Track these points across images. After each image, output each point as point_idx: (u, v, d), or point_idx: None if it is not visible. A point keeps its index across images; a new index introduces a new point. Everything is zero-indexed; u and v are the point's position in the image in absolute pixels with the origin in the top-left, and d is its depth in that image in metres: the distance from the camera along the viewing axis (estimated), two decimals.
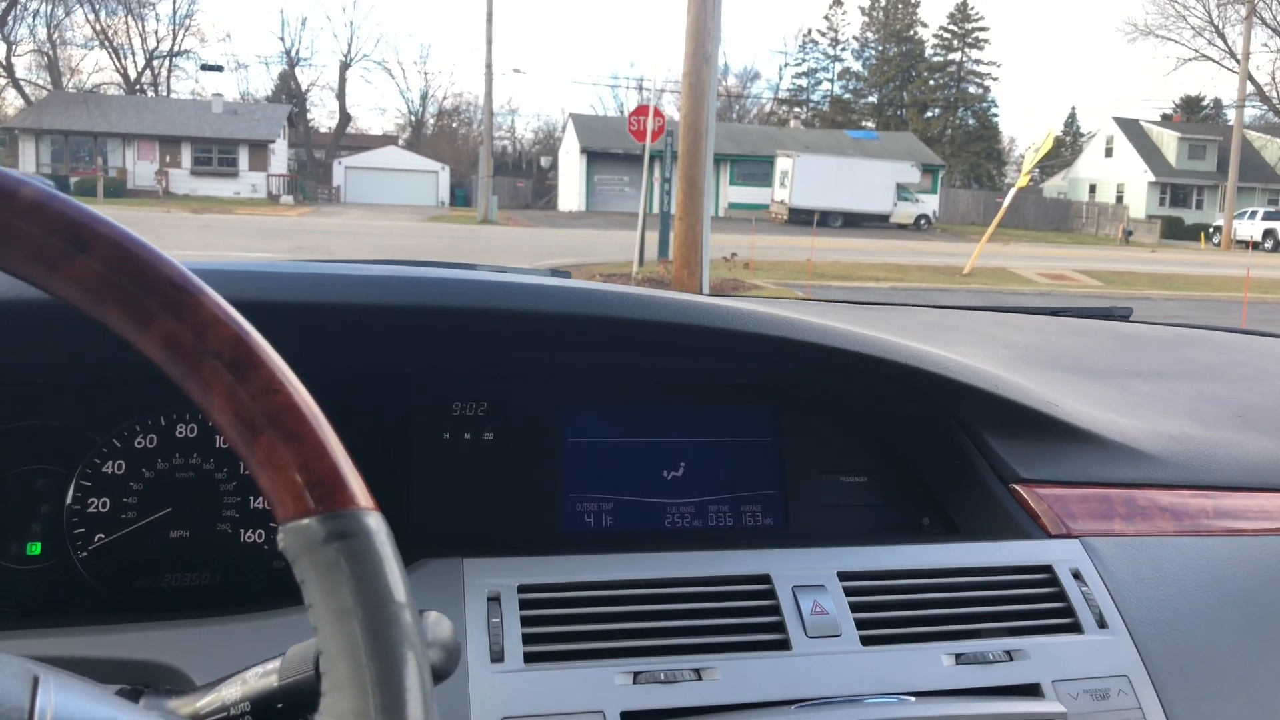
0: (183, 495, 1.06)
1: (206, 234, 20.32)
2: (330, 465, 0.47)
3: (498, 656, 0.87)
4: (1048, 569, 1.04)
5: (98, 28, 50.39)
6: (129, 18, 50.89)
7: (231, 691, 0.58)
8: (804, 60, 69.90)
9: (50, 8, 45.54)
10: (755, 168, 43.41)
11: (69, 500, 1.03)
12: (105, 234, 0.45)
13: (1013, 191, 22.58)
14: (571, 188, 46.38)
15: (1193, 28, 48.96)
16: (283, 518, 0.46)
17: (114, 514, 1.04)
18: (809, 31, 70.79)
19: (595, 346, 1.12)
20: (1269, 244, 39.23)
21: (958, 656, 0.94)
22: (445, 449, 1.14)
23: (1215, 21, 47.72)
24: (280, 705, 0.56)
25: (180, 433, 1.07)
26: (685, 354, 1.13)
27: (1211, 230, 42.65)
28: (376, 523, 0.47)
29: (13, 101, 48.11)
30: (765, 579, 0.98)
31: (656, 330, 1.06)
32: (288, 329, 0.96)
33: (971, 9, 65.63)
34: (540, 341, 1.09)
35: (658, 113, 15.08)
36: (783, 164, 38.33)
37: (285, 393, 0.47)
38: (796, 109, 69.83)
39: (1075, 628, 0.99)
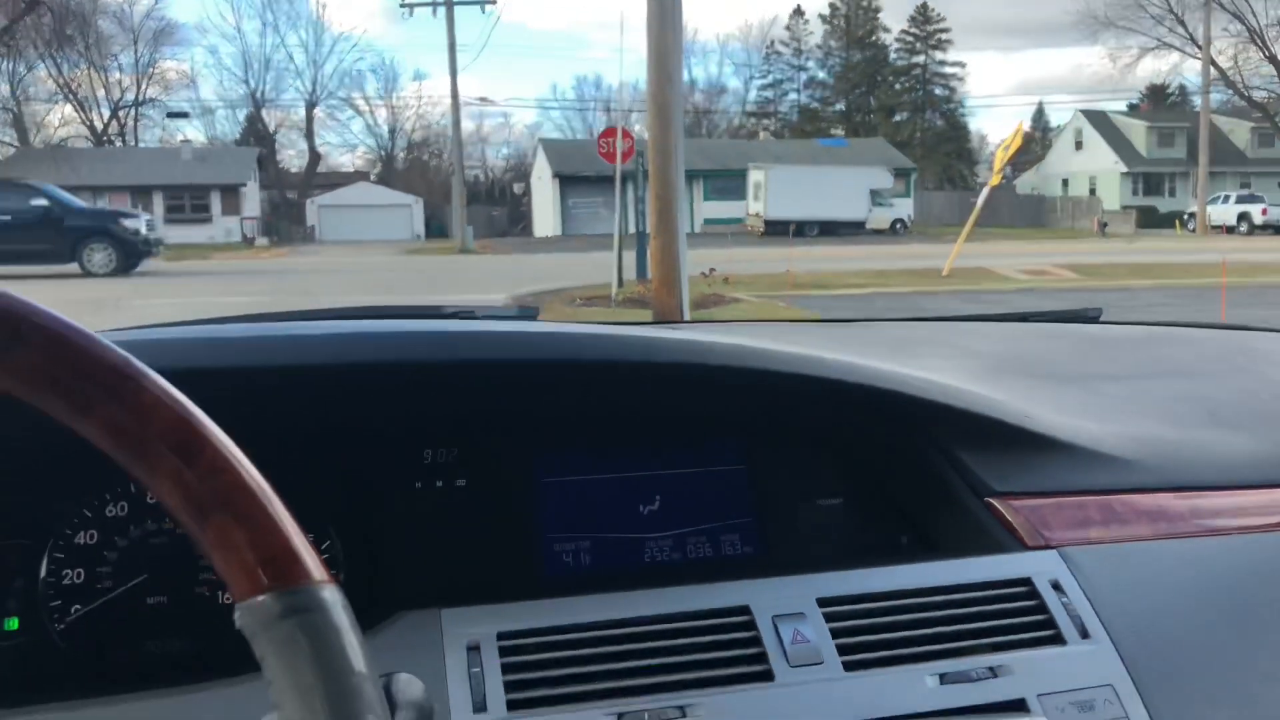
0: (158, 561, 1.05)
1: (178, 283, 20.23)
2: (282, 542, 0.46)
3: (480, 706, 0.86)
4: (1027, 581, 1.04)
5: (61, 82, 50.25)
6: (91, 70, 50.75)
7: None
8: (769, 72, 70.39)
9: (11, 65, 45.41)
10: (728, 182, 43.62)
11: (43, 573, 1.02)
12: (43, 325, 0.46)
13: (986, 190, 22.69)
14: (546, 213, 46.48)
15: (1152, 16, 49.32)
16: (238, 596, 0.46)
17: (89, 584, 1.02)
18: (772, 44, 71.18)
19: (565, 387, 1.11)
20: (1243, 227, 39.63)
21: (942, 676, 0.94)
22: (418, 498, 1.13)
23: (1174, 9, 48.22)
24: None
25: (151, 498, 1.06)
26: (656, 388, 1.13)
27: (1186, 217, 43.01)
28: (332, 595, 0.47)
29: None
30: (745, 610, 0.97)
31: (625, 369, 1.06)
32: (247, 393, 0.96)
33: (932, 10, 66.28)
34: (508, 387, 1.09)
35: (626, 133, 15.15)
36: (755, 176, 38.52)
37: (233, 472, 0.47)
38: (765, 120, 70.26)
39: (1058, 639, 0.99)
